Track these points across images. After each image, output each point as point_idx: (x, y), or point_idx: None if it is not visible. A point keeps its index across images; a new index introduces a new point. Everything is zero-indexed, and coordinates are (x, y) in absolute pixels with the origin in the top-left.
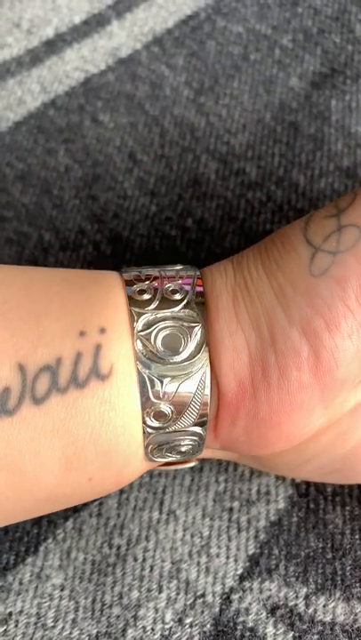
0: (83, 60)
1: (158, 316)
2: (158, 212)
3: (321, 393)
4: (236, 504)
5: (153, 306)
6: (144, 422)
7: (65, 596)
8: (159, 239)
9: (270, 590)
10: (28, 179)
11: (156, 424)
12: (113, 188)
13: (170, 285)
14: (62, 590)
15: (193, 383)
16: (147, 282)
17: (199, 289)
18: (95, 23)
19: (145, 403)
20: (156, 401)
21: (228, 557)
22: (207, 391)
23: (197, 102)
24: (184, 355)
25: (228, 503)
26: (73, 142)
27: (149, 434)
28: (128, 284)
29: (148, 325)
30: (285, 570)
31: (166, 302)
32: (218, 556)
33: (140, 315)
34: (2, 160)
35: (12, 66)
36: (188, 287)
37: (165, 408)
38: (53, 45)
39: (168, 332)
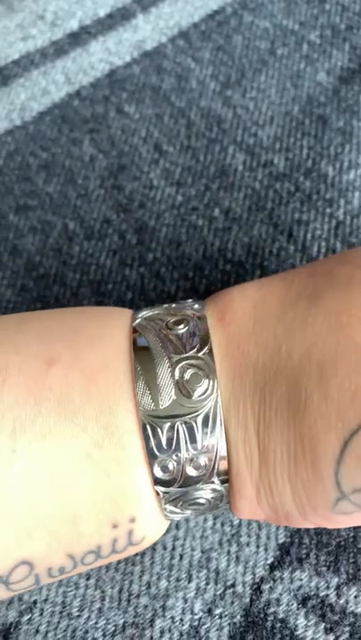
0: (107, 52)
1: (183, 492)
2: (185, 201)
3: None
4: None
5: (176, 486)
6: None
7: (91, 585)
8: (185, 228)
9: (301, 580)
10: (52, 168)
11: None
12: (138, 178)
13: (192, 461)
14: (88, 579)
15: None
16: (170, 460)
17: (223, 465)
18: (120, 16)
19: None
20: None
21: (258, 546)
22: None
23: (224, 95)
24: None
25: None
26: (98, 132)
27: None
28: (152, 460)
29: (176, 501)
30: (316, 559)
31: (188, 480)
32: (248, 544)
33: (165, 494)
34: (26, 149)
35: (37, 57)
36: (210, 463)
37: None
38: (78, 38)
39: (194, 509)
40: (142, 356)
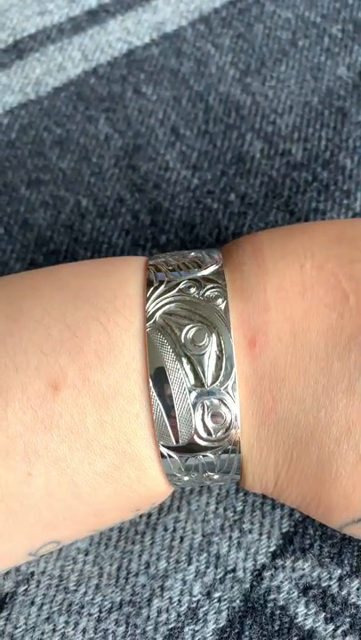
0: (126, 31)
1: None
2: (200, 185)
3: None
4: None
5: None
6: None
7: (89, 560)
8: (200, 211)
9: (303, 570)
10: (66, 144)
11: None
12: (154, 160)
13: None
14: (87, 555)
15: None
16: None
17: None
18: None
19: None
20: None
21: (261, 534)
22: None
23: (243, 82)
24: None
25: None
26: (114, 112)
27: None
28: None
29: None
30: (320, 550)
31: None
32: (250, 531)
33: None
34: (40, 124)
35: (53, 32)
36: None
37: None
38: (96, 15)
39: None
40: (158, 380)
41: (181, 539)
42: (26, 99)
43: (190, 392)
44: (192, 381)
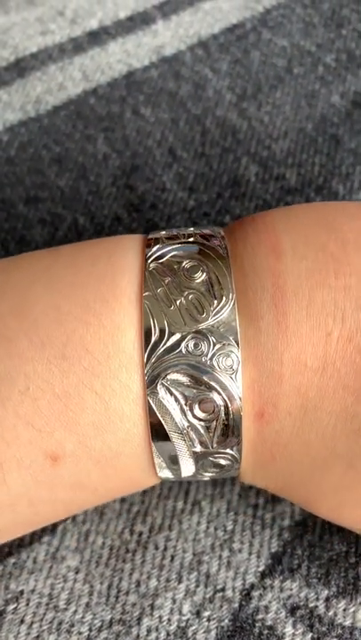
0: (126, 53)
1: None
2: (196, 207)
3: None
4: (261, 500)
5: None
6: None
7: (80, 579)
8: None
9: (291, 590)
10: (64, 162)
11: None
12: (151, 180)
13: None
14: (77, 573)
15: None
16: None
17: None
18: (140, 21)
19: None
20: None
21: (250, 553)
22: None
23: (240, 107)
24: None
25: (253, 499)
26: (112, 131)
27: None
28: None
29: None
30: (308, 570)
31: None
32: (240, 551)
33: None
34: (39, 142)
35: (55, 52)
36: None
37: None
38: (97, 37)
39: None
40: (161, 442)
41: (172, 557)
42: (26, 116)
43: (194, 454)
44: (197, 447)
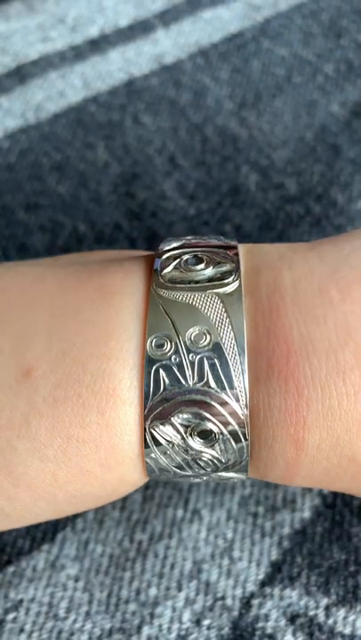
0: (127, 62)
1: None
2: (197, 215)
3: None
4: (261, 509)
5: None
6: None
7: (79, 587)
8: None
9: (291, 598)
10: (65, 170)
11: None
12: (152, 188)
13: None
14: (77, 581)
15: None
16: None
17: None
18: (140, 29)
19: None
20: None
21: (250, 562)
22: None
23: (240, 115)
24: None
25: (253, 507)
26: (113, 139)
27: None
28: None
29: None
30: (307, 579)
31: None
32: (240, 559)
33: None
34: (39, 149)
35: (55, 59)
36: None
37: None
38: (97, 45)
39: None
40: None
41: (172, 566)
42: (26, 123)
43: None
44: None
